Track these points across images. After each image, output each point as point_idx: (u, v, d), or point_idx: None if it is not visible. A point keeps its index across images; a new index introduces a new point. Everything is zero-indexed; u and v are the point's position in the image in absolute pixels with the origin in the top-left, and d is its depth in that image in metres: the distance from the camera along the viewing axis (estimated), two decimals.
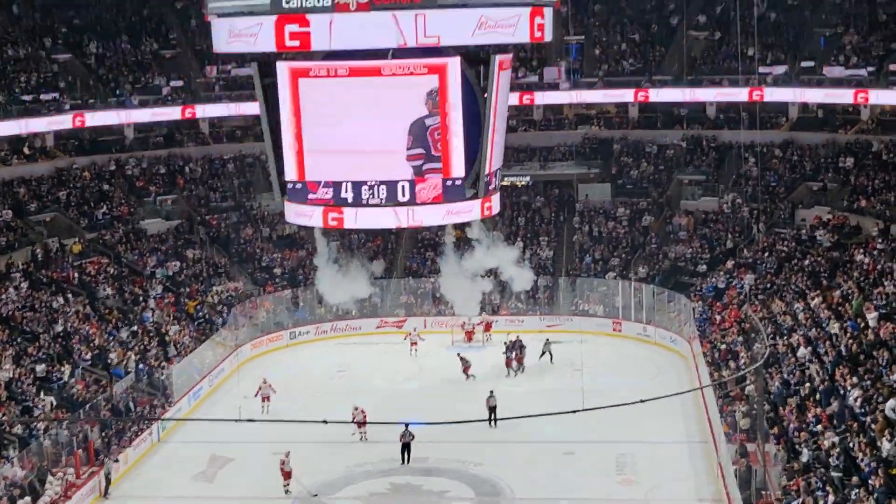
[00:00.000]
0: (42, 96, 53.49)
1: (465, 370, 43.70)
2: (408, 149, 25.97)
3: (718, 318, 44.82)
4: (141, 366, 42.00)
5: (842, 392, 31.11)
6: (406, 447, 34.78)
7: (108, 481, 33.87)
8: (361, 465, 34.65)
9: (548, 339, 45.68)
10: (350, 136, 26.14)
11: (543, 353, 45.37)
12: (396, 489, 33.25)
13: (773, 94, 53.96)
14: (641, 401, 24.30)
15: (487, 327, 49.39)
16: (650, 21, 62.32)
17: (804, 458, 29.11)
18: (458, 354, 44.65)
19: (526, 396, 40.95)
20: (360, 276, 47.71)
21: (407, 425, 34.06)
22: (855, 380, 30.95)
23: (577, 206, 57.50)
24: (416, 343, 47.29)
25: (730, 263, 49.29)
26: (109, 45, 59.89)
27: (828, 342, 35.05)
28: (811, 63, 55.19)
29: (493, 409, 37.39)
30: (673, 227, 54.44)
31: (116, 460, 34.85)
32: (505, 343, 45.36)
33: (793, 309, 40.43)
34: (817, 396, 32.14)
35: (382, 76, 25.34)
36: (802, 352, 35.88)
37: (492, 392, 38.11)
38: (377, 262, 51.67)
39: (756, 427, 32.22)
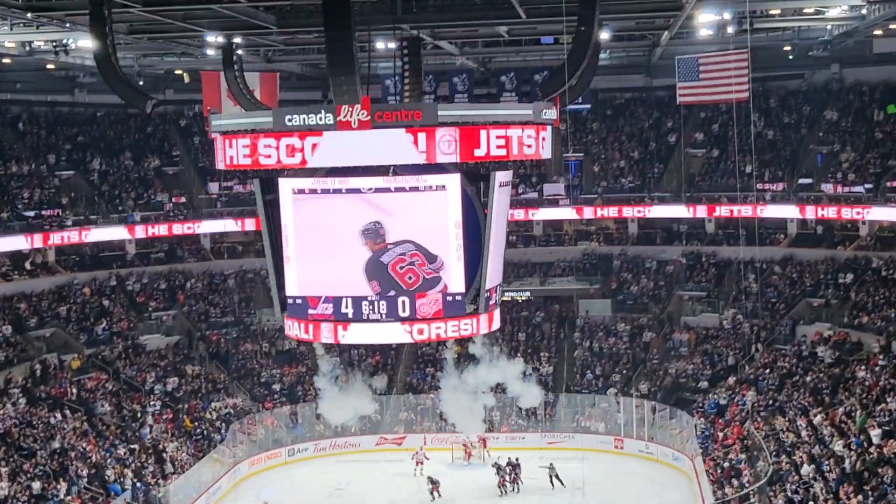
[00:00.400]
0: (44, 212, 53.89)
1: (434, 490, 43.21)
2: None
3: (721, 434, 44.48)
4: (138, 483, 41.56)
5: None
6: None
7: None
8: None
9: (551, 464, 44.88)
10: (349, 253, 26.26)
11: (551, 479, 44.50)
12: None
13: (772, 211, 54.37)
14: None
15: (484, 443, 48.88)
16: (648, 139, 63.03)
17: None
18: (429, 476, 44.03)
19: None
20: (362, 393, 47.76)
21: None
22: (860, 498, 30.62)
23: (577, 322, 57.47)
24: (421, 462, 46.61)
25: (731, 380, 49.09)
26: (112, 161, 60.52)
27: (831, 459, 34.74)
28: (809, 180, 55.71)
29: None
30: (674, 343, 54.35)
31: None
32: (494, 465, 44.74)
33: (795, 426, 40.16)
34: None
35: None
36: (806, 469, 35.55)
37: None
38: (378, 377, 51.53)
39: None
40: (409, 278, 26.24)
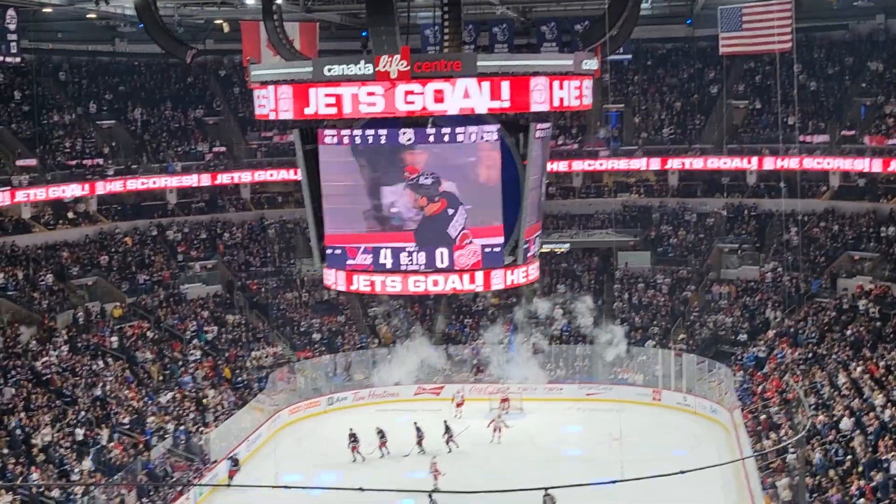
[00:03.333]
0: (86, 161, 54.25)
1: (497, 430, 43.73)
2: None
3: (759, 388, 44.38)
4: (179, 430, 42.01)
5: (885, 464, 30.62)
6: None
7: None
8: None
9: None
10: (388, 203, 26.22)
11: None
12: None
13: (814, 163, 53.88)
14: (682, 472, 23.92)
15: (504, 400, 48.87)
16: (690, 90, 62.49)
17: None
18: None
19: (565, 465, 40.55)
20: (425, 346, 48.67)
21: (431, 495, 33.80)
22: None
23: (616, 274, 57.35)
24: (461, 404, 47.19)
25: (771, 333, 48.89)
26: (153, 111, 60.74)
27: (871, 413, 34.58)
28: (852, 132, 55.13)
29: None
30: (713, 296, 54.14)
31: None
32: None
33: (835, 379, 39.99)
34: (860, 468, 31.65)
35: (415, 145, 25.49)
36: (845, 423, 35.43)
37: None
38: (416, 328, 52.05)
39: (798, 499, 31.74)
40: (448, 230, 26.16)
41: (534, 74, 24.45)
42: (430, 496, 34.35)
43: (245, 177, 58.97)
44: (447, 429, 43.65)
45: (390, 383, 51.12)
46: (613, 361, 50.56)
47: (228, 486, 39.52)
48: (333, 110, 24.56)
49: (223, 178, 58.07)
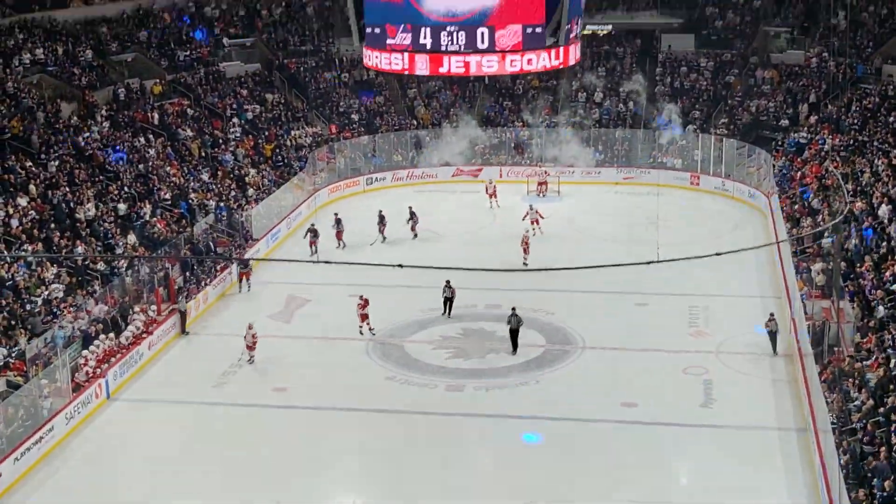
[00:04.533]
0: None
1: (534, 222, 43.17)
2: None
3: (798, 174, 44.27)
4: (220, 206, 42.57)
5: None
6: (447, 301, 34.93)
7: (184, 319, 34.68)
8: (436, 310, 35.09)
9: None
10: None
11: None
12: (468, 334, 33.70)
13: None
14: (717, 254, 24.22)
15: (541, 184, 49.05)
16: None
17: (879, 315, 28.97)
18: (531, 206, 43.79)
19: (603, 246, 41.02)
20: (463, 129, 48.70)
21: (448, 282, 34.36)
22: None
23: (659, 57, 56.61)
24: (494, 195, 47.03)
25: (813, 118, 48.43)
26: None
27: None
28: None
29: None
30: (756, 80, 53.46)
31: (188, 300, 35.56)
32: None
33: (875, 167, 39.78)
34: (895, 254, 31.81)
35: None
36: (883, 210, 35.40)
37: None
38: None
39: (832, 284, 32.06)
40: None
41: None
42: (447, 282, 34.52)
43: None
44: (412, 215, 43.31)
45: (431, 164, 51.39)
46: (668, 142, 50.39)
47: (268, 260, 40.28)
48: None
49: None
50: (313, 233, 41.69)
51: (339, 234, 42.44)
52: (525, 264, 38.39)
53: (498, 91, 55.90)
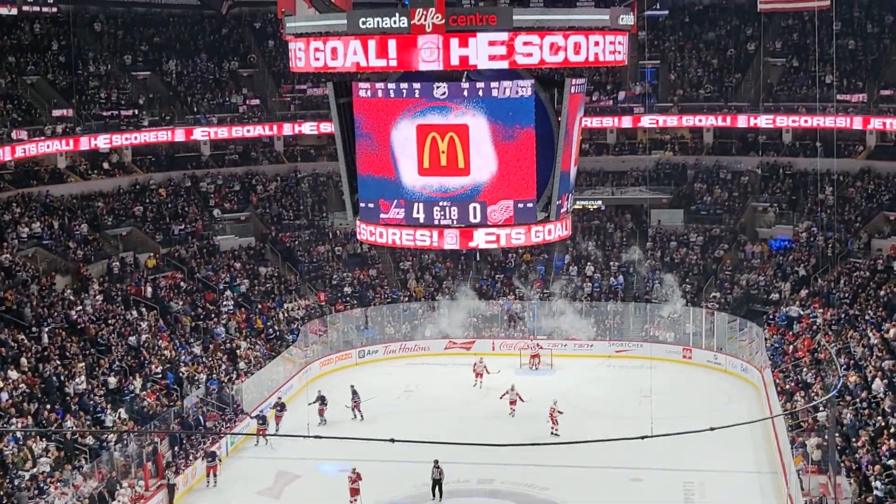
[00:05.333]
0: (121, 112, 54.46)
1: (512, 403, 42.39)
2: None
3: (791, 347, 44.28)
4: (211, 380, 42.38)
5: None
6: (436, 483, 34.33)
7: (173, 493, 34.15)
8: (428, 484, 34.56)
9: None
10: (421, 158, 26.19)
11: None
12: None
13: (851, 122, 53.37)
14: (711, 429, 24.01)
15: (534, 356, 49.10)
16: (727, 46, 61.94)
17: (877, 492, 28.62)
18: (512, 386, 42.96)
19: (596, 420, 40.73)
20: (455, 302, 48.89)
21: (436, 462, 33.99)
22: None
23: (648, 232, 57.21)
24: (481, 374, 46.47)
25: (803, 293, 48.70)
26: (188, 63, 60.80)
27: None
28: (890, 91, 54.55)
29: None
30: (746, 255, 53.94)
31: (176, 474, 35.07)
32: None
33: (867, 340, 39.83)
34: (891, 429, 31.59)
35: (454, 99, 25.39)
36: (877, 384, 35.32)
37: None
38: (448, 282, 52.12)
39: (828, 459, 31.74)
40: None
41: (569, 29, 24.33)
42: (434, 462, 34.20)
43: (279, 129, 58.92)
44: (354, 393, 42.72)
45: (424, 337, 51.42)
46: (669, 314, 50.59)
47: (260, 434, 39.85)
48: (367, 63, 24.54)
49: (256, 131, 58.17)
50: (321, 400, 41.54)
51: (321, 412, 41.99)
52: (555, 434, 38.51)
53: (490, 264, 56.28)
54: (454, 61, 24.01)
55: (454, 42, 23.84)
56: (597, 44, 24.71)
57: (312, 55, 25.51)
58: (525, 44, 23.91)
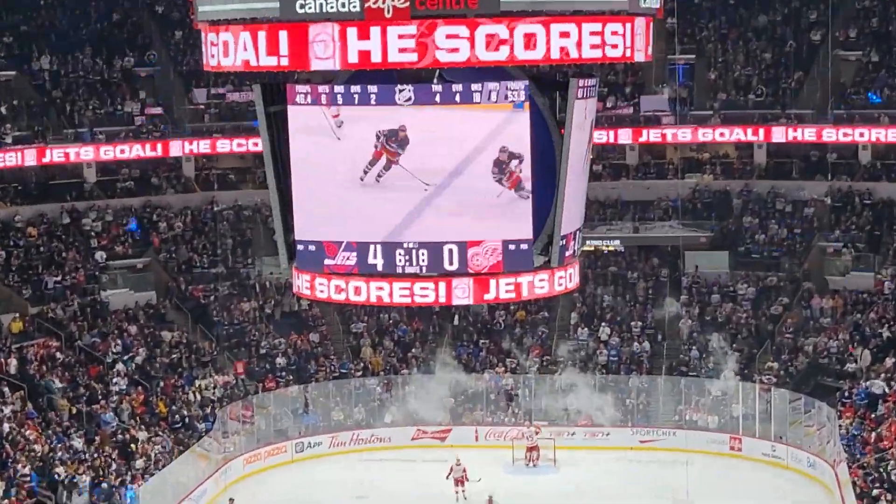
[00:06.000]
0: None
1: (459, 482, 43.67)
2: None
3: (874, 435, 44.45)
4: (98, 485, 42.18)
5: None
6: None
7: None
8: None
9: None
10: (381, 184, 26.30)
11: None
12: None
13: None
14: None
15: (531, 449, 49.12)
16: (784, 36, 62.49)
17: None
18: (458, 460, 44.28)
19: None
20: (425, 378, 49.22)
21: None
22: None
23: (682, 281, 57.37)
24: (462, 481, 45.23)
25: (889, 361, 48.93)
26: (66, 59, 60.83)
27: None
28: None
29: None
30: (813, 312, 54.17)
31: None
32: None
33: None
34: None
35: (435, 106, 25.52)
36: None
37: None
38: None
39: None
40: (458, 220, 26.21)
41: (576, 14, 24.54)
42: None
43: (188, 147, 58.99)
44: None
45: (384, 424, 51.37)
46: (713, 392, 50.79)
47: None
48: (311, 59, 24.68)
49: (159, 149, 58.15)
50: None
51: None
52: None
53: (472, 326, 56.31)
54: (423, 57, 24.19)
55: (422, 31, 24.02)
56: (615, 33, 24.93)
57: (233, 50, 25.63)
58: (517, 33, 24.08)
